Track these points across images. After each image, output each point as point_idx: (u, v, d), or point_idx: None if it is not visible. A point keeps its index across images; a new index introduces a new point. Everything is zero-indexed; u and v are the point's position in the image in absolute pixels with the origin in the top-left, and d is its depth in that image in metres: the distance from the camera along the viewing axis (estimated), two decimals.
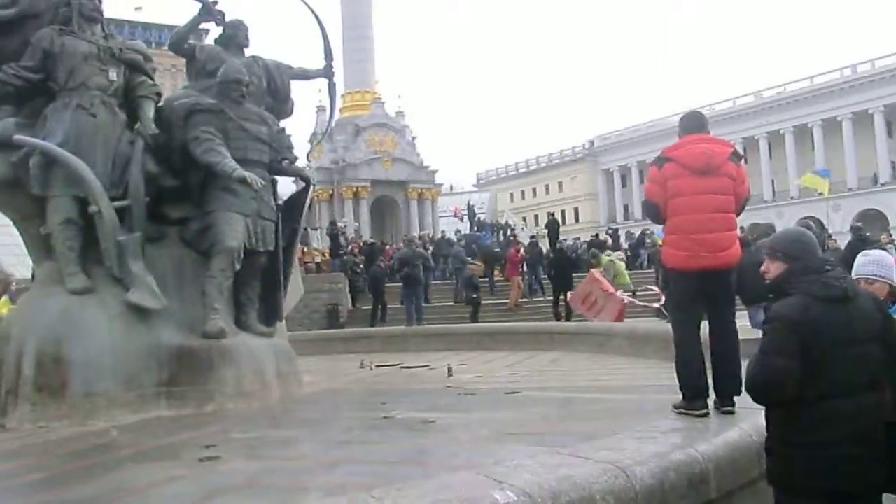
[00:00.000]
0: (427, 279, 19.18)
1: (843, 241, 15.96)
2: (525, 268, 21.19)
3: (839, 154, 50.54)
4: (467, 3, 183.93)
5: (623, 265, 17.99)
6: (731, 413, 3.79)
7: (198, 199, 6.67)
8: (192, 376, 6.08)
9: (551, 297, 18.32)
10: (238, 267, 6.48)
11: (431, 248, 24.23)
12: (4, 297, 12.48)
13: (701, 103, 52.47)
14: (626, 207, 64.87)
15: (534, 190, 73.59)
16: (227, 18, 7.77)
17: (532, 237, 25.64)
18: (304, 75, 8.34)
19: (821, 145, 51.83)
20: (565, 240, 27.47)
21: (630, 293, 15.46)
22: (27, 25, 6.38)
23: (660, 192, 4.02)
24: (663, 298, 12.87)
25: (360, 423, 5.33)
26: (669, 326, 4.32)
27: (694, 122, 4.14)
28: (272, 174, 7.03)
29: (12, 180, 6.16)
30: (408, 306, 17.20)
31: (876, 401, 2.66)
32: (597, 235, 32.08)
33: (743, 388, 3.82)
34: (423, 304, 18.23)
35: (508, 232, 34.00)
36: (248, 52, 7.87)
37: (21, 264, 12.27)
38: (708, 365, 3.99)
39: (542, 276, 20.72)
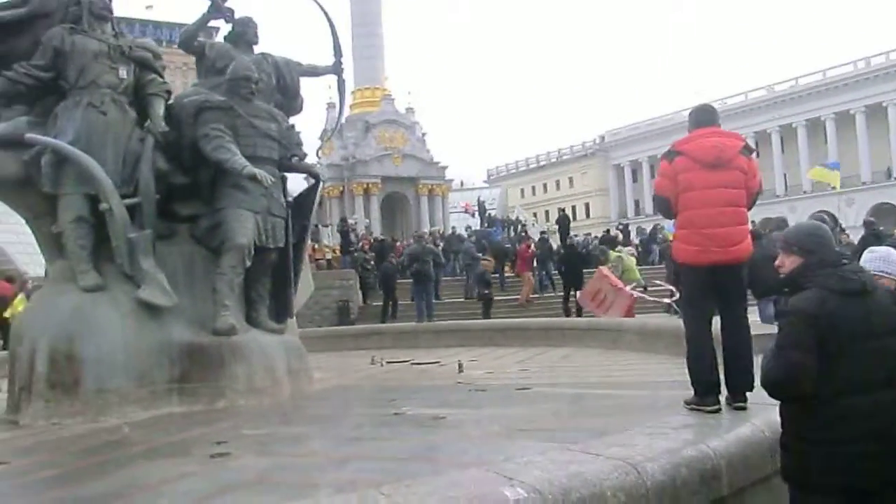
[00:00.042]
0: (437, 275, 19.16)
1: (856, 236, 15.81)
2: (535, 263, 21.16)
3: (852, 148, 50.11)
4: (476, 0, 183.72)
5: (633, 261, 17.87)
6: (744, 409, 3.76)
7: (208, 197, 6.70)
8: (203, 373, 6.11)
9: (562, 293, 18.27)
10: (248, 264, 6.51)
11: (442, 244, 24.23)
12: (21, 296, 12.61)
13: (713, 97, 52.04)
14: (636, 203, 64.59)
15: (544, 185, 73.40)
16: (237, 16, 7.79)
17: (542, 233, 25.57)
18: (314, 72, 8.35)
19: (834, 139, 51.39)
20: (576, 235, 27.38)
21: (641, 288, 15.36)
22: (38, 24, 6.43)
23: (670, 186, 3.98)
24: (677, 294, 12.78)
25: (370, 420, 5.33)
26: (681, 322, 4.29)
27: (705, 116, 4.10)
28: (282, 171, 7.05)
29: (24, 179, 6.21)
30: (418, 303, 17.18)
31: (893, 397, 2.61)
32: (608, 231, 31.96)
33: (755, 384, 3.82)
34: (434, 301, 18.21)
35: (519, 228, 33.94)
36: (257, 50, 7.90)
37: (35, 263, 12.39)
38: (720, 360, 3.96)
39: (553, 272, 20.67)
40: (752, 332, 4.05)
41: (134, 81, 6.62)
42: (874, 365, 2.59)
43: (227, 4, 7.64)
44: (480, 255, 21.45)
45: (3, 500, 3.66)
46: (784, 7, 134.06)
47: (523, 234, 28.41)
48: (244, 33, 7.77)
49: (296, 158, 7.22)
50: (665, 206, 4.07)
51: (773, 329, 5.66)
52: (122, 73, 6.48)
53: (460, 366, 7.99)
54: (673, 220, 4.16)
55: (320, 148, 11.09)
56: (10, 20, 6.40)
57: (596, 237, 29.07)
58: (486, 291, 17.85)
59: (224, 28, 7.99)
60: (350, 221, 26.50)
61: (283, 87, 7.89)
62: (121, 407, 5.72)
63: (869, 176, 49.86)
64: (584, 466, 2.63)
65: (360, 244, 23.43)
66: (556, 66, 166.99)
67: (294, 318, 7.54)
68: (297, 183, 7.83)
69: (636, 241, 28.56)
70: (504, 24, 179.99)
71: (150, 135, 6.46)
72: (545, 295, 20.34)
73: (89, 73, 6.29)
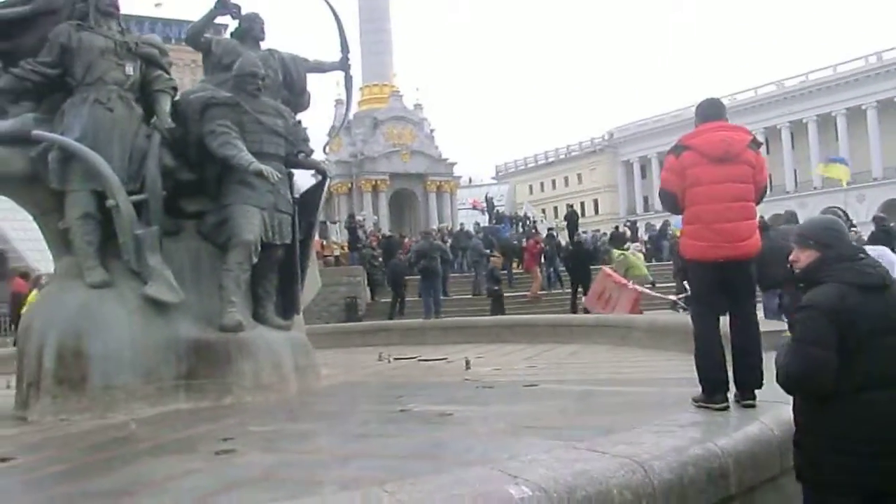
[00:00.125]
0: (445, 272, 19.15)
1: (866, 233, 15.69)
2: (543, 260, 21.12)
3: (863, 143, 49.76)
4: None
5: (641, 257, 17.88)
6: (752, 407, 3.72)
7: (214, 193, 6.70)
8: (210, 369, 6.12)
9: (570, 290, 18.22)
10: (255, 260, 6.50)
11: (450, 240, 24.20)
12: (35, 292, 12.70)
13: (722, 93, 51.79)
14: (645, 199, 64.40)
15: (553, 182, 73.28)
16: (243, 12, 7.77)
17: (550, 229, 25.51)
18: (320, 68, 8.33)
19: (844, 135, 51.05)
20: (584, 232, 27.27)
21: (649, 284, 15.35)
22: (44, 21, 6.44)
23: (677, 181, 3.94)
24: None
25: (377, 417, 5.33)
26: (689, 318, 4.25)
27: (712, 110, 4.05)
28: (288, 167, 7.05)
29: (31, 175, 6.23)
30: (426, 299, 17.19)
31: None
32: (616, 227, 31.85)
33: (764, 382, 3.78)
34: (442, 297, 18.21)
35: (529, 224, 33.86)
36: (264, 46, 7.87)
37: (45, 259, 12.44)
38: (728, 357, 3.92)
39: (560, 269, 20.62)
40: (761, 329, 4.01)
41: (140, 78, 6.62)
42: (893, 360, 2.53)
43: (233, 1, 7.62)
44: (488, 251, 21.42)
45: (10, 495, 3.67)
46: (795, 2, 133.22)
47: (533, 230, 28.33)
48: (251, 29, 7.75)
49: (302, 155, 7.21)
50: (671, 202, 4.03)
51: (782, 325, 5.63)
52: (129, 69, 6.49)
53: (467, 362, 7.97)
54: (680, 216, 4.12)
55: (327, 144, 11.06)
56: (16, 17, 6.40)
57: (604, 234, 28.96)
58: (496, 288, 17.82)
59: (233, 25, 7.98)
60: (358, 218, 26.47)
61: (290, 83, 7.87)
62: (128, 403, 5.73)
63: (880, 172, 49.51)
64: (590, 464, 2.61)
65: (369, 241, 23.43)
66: (564, 62, 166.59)
67: (301, 314, 7.53)
68: (305, 179, 7.83)
69: (645, 237, 28.44)
70: (512, 20, 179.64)
71: (157, 131, 6.46)
72: (553, 291, 20.30)
73: (96, 69, 6.29)
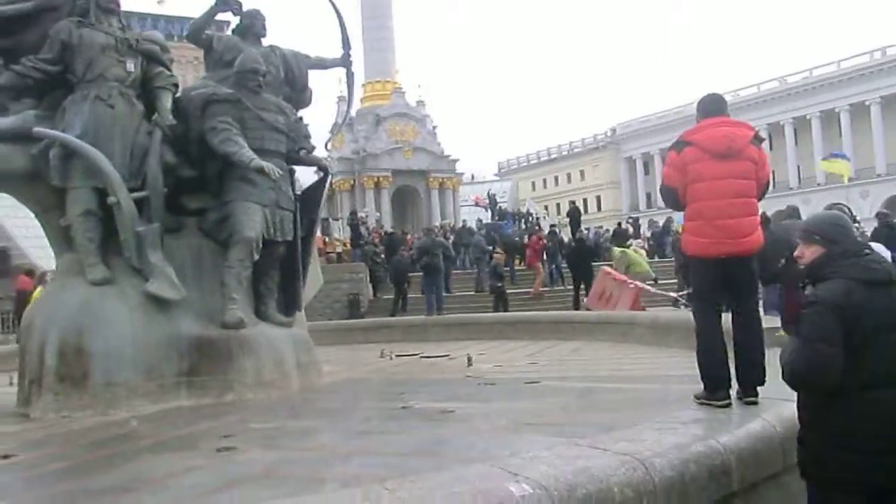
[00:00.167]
0: (447, 268, 19.14)
1: (870, 229, 15.64)
2: (545, 256, 21.10)
3: (867, 139, 49.61)
4: None
5: (642, 254, 17.92)
6: (754, 403, 3.71)
7: (216, 190, 6.69)
8: (211, 366, 6.12)
9: (571, 287, 18.21)
10: (256, 257, 6.50)
11: (452, 237, 24.19)
12: (40, 289, 12.74)
13: (725, 89, 51.66)
14: (648, 195, 64.30)
15: (555, 178, 73.19)
16: (245, 8, 7.76)
17: (552, 226, 25.47)
18: (322, 64, 8.32)
19: (848, 131, 50.89)
20: (588, 228, 27.26)
21: (651, 281, 15.36)
22: (45, 18, 6.43)
23: (679, 177, 3.92)
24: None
25: (378, 413, 5.32)
26: (691, 315, 4.24)
27: (714, 105, 4.02)
28: (290, 164, 7.04)
29: (33, 172, 6.22)
30: (428, 296, 17.19)
31: None
32: (619, 224, 31.84)
33: (765, 379, 3.77)
34: (444, 294, 18.20)
35: (532, 220, 33.83)
36: (265, 42, 7.86)
37: (48, 256, 12.47)
38: (731, 354, 3.90)
39: (563, 265, 20.61)
40: (764, 326, 4.00)
41: (141, 74, 6.62)
42: None
43: None
44: (490, 248, 21.42)
45: (12, 492, 3.67)
46: None
47: (537, 227, 28.32)
48: (252, 26, 7.74)
49: (304, 151, 7.21)
50: (672, 197, 4.01)
51: (777, 322, 5.60)
52: (130, 66, 6.48)
53: (469, 359, 7.96)
54: (682, 212, 4.10)
55: (329, 140, 11.05)
56: (17, 14, 6.40)
57: (607, 230, 28.94)
58: (499, 284, 17.81)
59: (233, 21, 7.96)
60: (361, 215, 26.51)
61: (292, 79, 7.86)
62: (129, 400, 5.73)
63: (884, 168, 49.36)
64: (591, 462, 2.60)
65: (371, 237, 23.43)
66: (567, 59, 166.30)
67: (303, 311, 7.53)
68: (308, 176, 7.82)
69: (648, 234, 28.42)
70: (515, 16, 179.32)
71: (158, 128, 6.46)
72: (556, 288, 20.29)
73: (97, 66, 6.29)
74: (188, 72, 35.77)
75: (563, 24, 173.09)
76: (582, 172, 70.92)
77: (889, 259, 3.39)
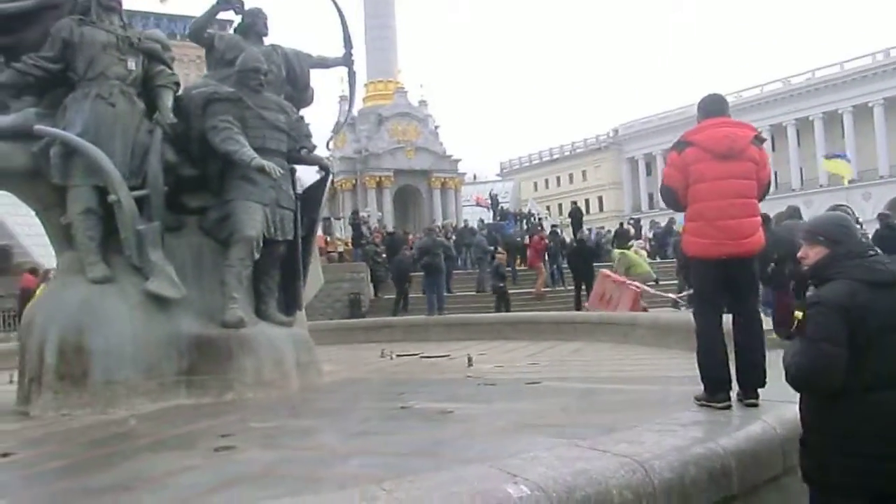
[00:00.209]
0: (449, 268, 19.13)
1: (872, 230, 15.61)
2: (547, 257, 21.10)
3: (870, 141, 49.56)
4: None
5: (642, 255, 17.93)
6: (755, 405, 3.69)
7: (216, 189, 6.69)
8: (211, 365, 6.11)
9: (572, 287, 18.20)
10: (257, 256, 6.50)
11: (454, 237, 24.18)
12: (43, 286, 12.76)
13: (728, 90, 51.70)
14: (650, 196, 64.26)
15: (557, 179, 73.18)
16: (246, 7, 7.76)
17: (553, 226, 25.44)
18: (324, 64, 8.31)
19: (851, 132, 50.84)
20: (590, 229, 27.25)
21: (652, 282, 15.38)
22: (46, 16, 6.43)
23: (679, 177, 3.90)
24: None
25: (377, 414, 5.31)
26: (692, 316, 4.22)
27: (714, 106, 4.01)
28: (291, 163, 7.03)
29: (33, 170, 6.22)
30: (429, 296, 17.19)
31: None
32: (621, 224, 31.84)
33: (766, 380, 3.75)
34: (445, 294, 18.19)
35: (534, 220, 33.81)
36: (267, 41, 7.85)
37: (50, 255, 12.49)
38: (731, 356, 3.89)
39: (563, 266, 20.60)
40: (764, 327, 3.98)
41: (142, 73, 6.61)
42: None
43: None
44: (492, 248, 21.41)
45: (11, 490, 3.67)
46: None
47: (539, 227, 28.31)
48: (254, 24, 7.73)
49: (305, 150, 7.20)
50: (673, 198, 3.99)
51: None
52: (131, 64, 6.47)
53: (470, 360, 7.95)
54: (683, 213, 4.09)
55: (331, 140, 11.05)
56: (19, 12, 6.39)
57: (609, 231, 28.92)
58: (501, 285, 17.81)
59: (236, 20, 7.96)
60: (362, 214, 26.50)
61: (293, 78, 7.85)
62: (129, 399, 5.73)
63: (886, 169, 49.32)
64: (590, 464, 2.58)
65: (372, 237, 23.43)
66: (570, 58, 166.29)
67: (303, 311, 7.52)
68: (309, 175, 7.81)
69: (649, 234, 28.39)
70: (517, 16, 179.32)
71: (159, 126, 6.45)
72: (557, 289, 20.28)
73: (98, 64, 6.29)
74: (191, 70, 35.79)
75: (567, 23, 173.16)
76: (584, 173, 70.91)
77: None
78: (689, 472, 2.76)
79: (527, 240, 22.34)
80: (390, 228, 28.08)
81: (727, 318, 3.96)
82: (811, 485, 2.66)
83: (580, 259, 17.98)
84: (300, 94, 7.94)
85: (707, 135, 3.85)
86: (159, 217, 6.24)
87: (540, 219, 35.75)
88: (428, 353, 9.44)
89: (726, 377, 3.81)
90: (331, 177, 7.65)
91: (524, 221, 33.62)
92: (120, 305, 5.93)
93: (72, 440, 4.78)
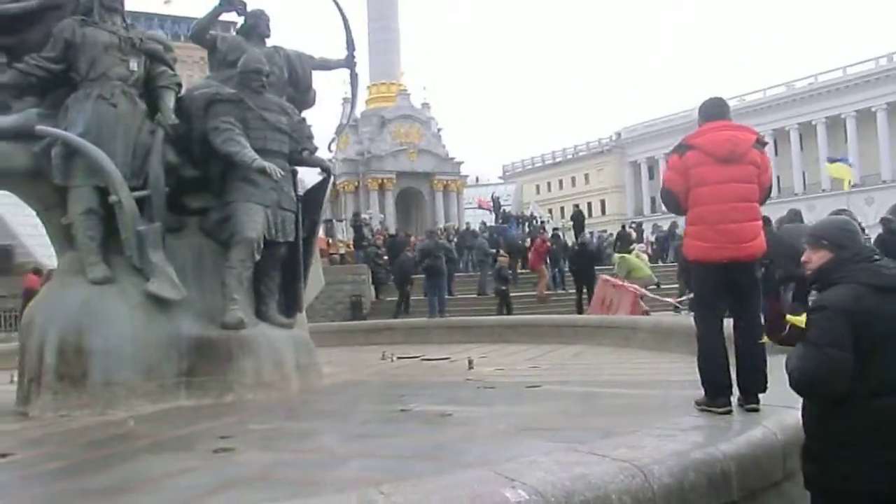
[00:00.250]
0: (450, 271, 19.10)
1: (874, 235, 15.57)
2: (549, 260, 21.06)
3: (873, 146, 49.49)
4: None
5: (644, 258, 17.93)
6: (756, 410, 3.66)
7: (218, 190, 6.69)
8: (211, 366, 6.11)
9: (574, 290, 18.18)
10: (258, 257, 6.49)
11: (455, 239, 24.15)
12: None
13: (731, 94, 51.72)
14: (653, 200, 64.16)
15: (560, 182, 73.17)
16: (249, 9, 7.76)
17: (555, 230, 25.41)
18: (326, 65, 8.31)
19: (854, 137, 50.79)
20: (592, 233, 27.25)
21: (654, 285, 15.38)
22: (49, 17, 6.44)
23: (680, 181, 3.88)
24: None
25: (377, 416, 5.30)
26: (692, 320, 4.20)
27: (715, 109, 3.99)
28: (292, 164, 7.03)
29: (35, 171, 6.23)
30: (430, 298, 17.15)
31: None
32: (623, 227, 31.83)
33: (767, 385, 3.73)
34: (447, 296, 18.16)
35: (537, 223, 33.78)
36: (269, 43, 7.86)
37: (53, 255, 12.50)
38: (732, 360, 3.87)
39: (565, 270, 20.57)
40: None
41: (144, 74, 6.62)
42: None
43: None
44: (494, 251, 21.37)
45: (9, 491, 3.66)
46: (805, 3, 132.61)
47: (541, 230, 28.30)
48: (256, 26, 7.74)
49: (306, 152, 7.19)
50: (674, 201, 3.97)
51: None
52: (133, 65, 6.48)
53: (470, 362, 7.94)
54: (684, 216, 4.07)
55: (333, 142, 11.07)
56: (21, 12, 6.40)
57: (611, 234, 28.89)
58: (504, 287, 17.79)
59: (239, 22, 7.96)
60: (364, 216, 26.45)
61: (295, 80, 7.85)
62: (128, 400, 5.72)
63: (889, 174, 49.23)
64: (589, 468, 2.57)
65: (374, 239, 23.39)
66: (573, 62, 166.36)
67: (304, 312, 7.51)
68: (311, 177, 7.80)
69: (651, 238, 28.36)
70: (521, 19, 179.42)
71: (161, 127, 6.46)
72: (559, 292, 20.25)
73: (100, 65, 6.29)
74: (194, 72, 35.82)
75: (570, 27, 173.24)
76: (586, 176, 70.89)
77: None
78: (689, 477, 2.74)
79: (529, 242, 22.29)
80: (392, 231, 28.07)
81: (728, 323, 3.94)
82: (813, 491, 2.64)
83: (582, 262, 17.97)
84: (302, 95, 7.95)
85: (708, 138, 3.84)
86: (160, 218, 6.24)
87: (542, 222, 35.73)
88: (429, 355, 9.44)
89: (727, 382, 3.78)
90: (332, 179, 7.64)
91: (526, 224, 33.60)
92: (120, 306, 5.93)
93: (71, 441, 4.77)
